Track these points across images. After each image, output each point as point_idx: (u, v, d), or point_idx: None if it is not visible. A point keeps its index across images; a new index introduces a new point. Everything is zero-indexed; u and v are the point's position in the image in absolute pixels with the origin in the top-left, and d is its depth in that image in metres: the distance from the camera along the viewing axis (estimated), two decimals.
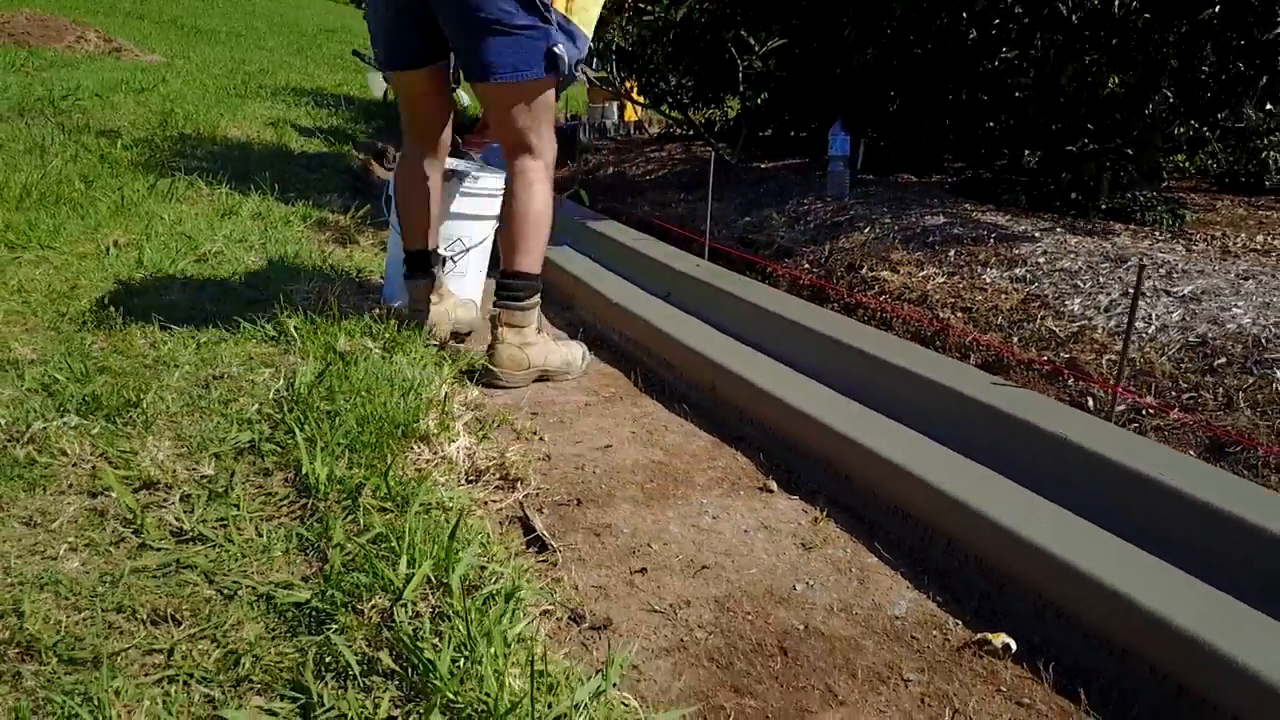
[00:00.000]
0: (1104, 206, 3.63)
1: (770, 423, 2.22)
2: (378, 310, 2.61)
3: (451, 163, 2.89)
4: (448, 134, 2.62)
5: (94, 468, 1.67)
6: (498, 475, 1.86)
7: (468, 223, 2.91)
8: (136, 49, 10.51)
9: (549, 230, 2.45)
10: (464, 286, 2.95)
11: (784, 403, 2.17)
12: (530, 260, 2.42)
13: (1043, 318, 2.70)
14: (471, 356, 2.53)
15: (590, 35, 2.43)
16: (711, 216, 4.70)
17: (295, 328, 2.36)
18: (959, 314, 2.85)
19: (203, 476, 1.68)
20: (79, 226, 3.59)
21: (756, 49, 5.00)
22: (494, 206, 2.87)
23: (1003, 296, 2.88)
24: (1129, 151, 3.80)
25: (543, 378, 2.55)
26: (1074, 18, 3.55)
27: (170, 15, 16.62)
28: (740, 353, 2.50)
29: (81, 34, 10.18)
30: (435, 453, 1.84)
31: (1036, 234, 3.31)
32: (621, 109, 9.61)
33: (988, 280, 3.03)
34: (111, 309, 2.53)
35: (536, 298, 2.49)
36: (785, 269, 3.52)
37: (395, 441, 1.81)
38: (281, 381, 2.06)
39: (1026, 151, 4.77)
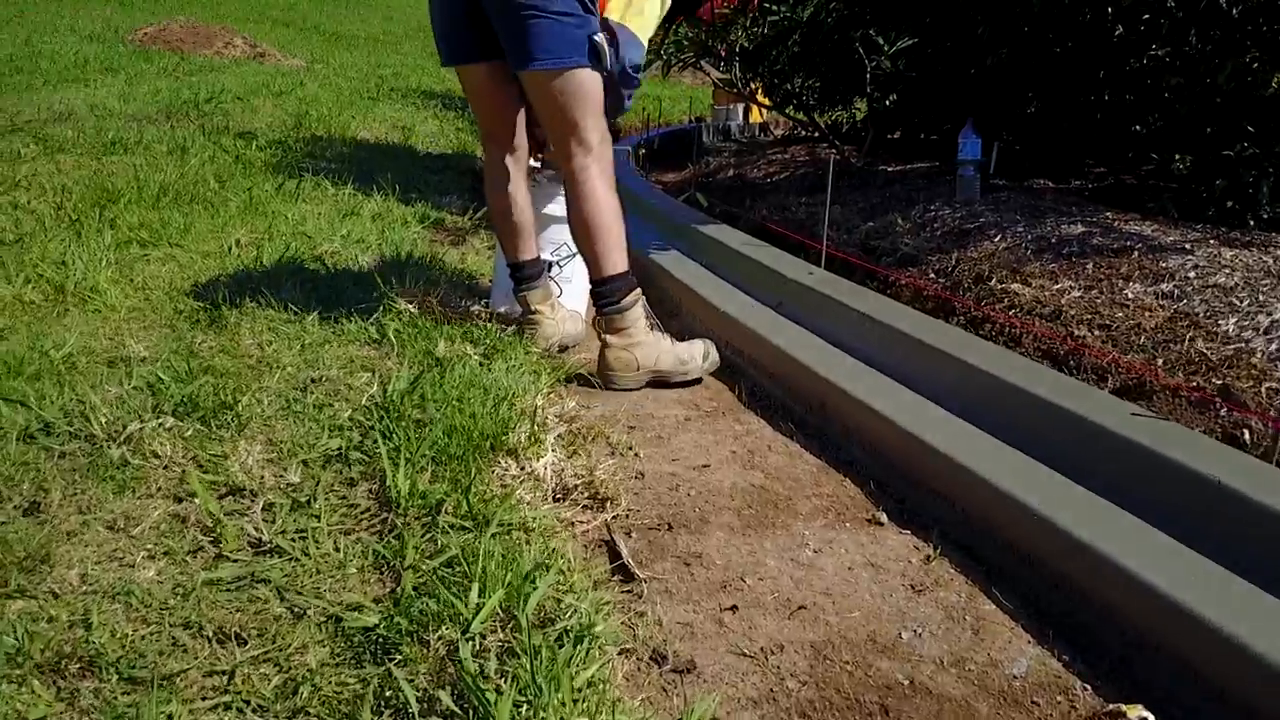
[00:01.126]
0: (1265, 217, 3.31)
1: (883, 447, 2.07)
2: (483, 314, 2.57)
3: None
4: (522, 134, 2.56)
5: (183, 471, 1.66)
6: (586, 494, 1.78)
7: (558, 224, 2.83)
8: (279, 54, 10.95)
9: (621, 222, 2.39)
10: (570, 295, 2.89)
11: (899, 426, 2.01)
12: (612, 261, 2.36)
13: (1192, 339, 2.45)
14: (572, 364, 2.46)
15: (646, 43, 2.40)
16: (832, 221, 4.53)
17: (395, 332, 2.34)
18: (1096, 332, 2.62)
19: (289, 484, 1.65)
20: (208, 225, 3.69)
21: (885, 49, 4.80)
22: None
23: (1146, 314, 2.64)
24: None
25: (657, 380, 2.46)
26: (1234, 11, 3.24)
27: (314, 22, 17.32)
28: (853, 369, 2.35)
29: (229, 40, 10.67)
30: (523, 468, 1.77)
31: (1187, 245, 3.03)
32: (746, 111, 9.47)
33: (1130, 295, 2.78)
34: (225, 308, 2.56)
35: (634, 294, 2.41)
36: (908, 279, 3.33)
37: (482, 455, 1.74)
38: (377, 386, 2.02)
39: (1176, 156, 4.42)
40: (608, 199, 2.35)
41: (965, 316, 2.94)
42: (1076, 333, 2.62)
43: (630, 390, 2.42)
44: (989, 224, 3.59)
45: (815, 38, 5.22)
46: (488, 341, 2.35)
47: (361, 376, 2.10)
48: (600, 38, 2.24)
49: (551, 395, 2.21)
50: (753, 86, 6.27)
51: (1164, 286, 2.76)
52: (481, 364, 2.17)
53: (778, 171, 6.19)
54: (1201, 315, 2.54)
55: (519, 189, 2.57)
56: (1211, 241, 3.11)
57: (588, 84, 2.28)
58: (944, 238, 3.64)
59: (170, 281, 2.90)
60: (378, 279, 3.01)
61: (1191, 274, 2.78)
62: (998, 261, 3.15)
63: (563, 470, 1.81)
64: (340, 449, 1.77)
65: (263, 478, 1.66)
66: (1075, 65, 3.75)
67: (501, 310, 2.70)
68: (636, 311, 2.40)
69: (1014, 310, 2.87)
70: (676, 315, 3.38)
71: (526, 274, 2.62)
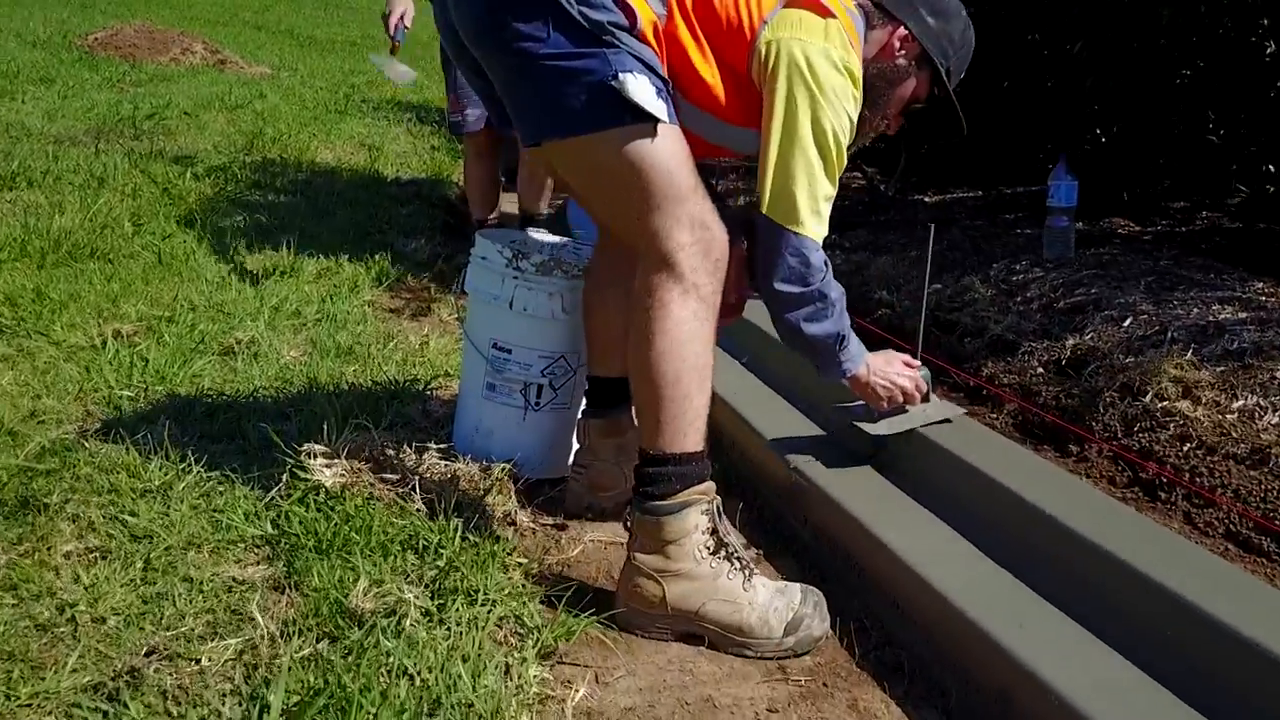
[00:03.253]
0: None
1: None
2: (441, 473, 1.75)
3: (504, 235, 2.06)
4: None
5: None
6: None
7: (553, 328, 1.98)
8: (242, 60, 10.06)
9: (707, 381, 1.53)
10: (547, 427, 2.03)
11: None
12: (674, 431, 1.50)
13: None
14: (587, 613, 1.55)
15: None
16: (884, 277, 3.73)
17: (298, 535, 1.50)
18: None
19: None
20: (95, 297, 2.86)
21: None
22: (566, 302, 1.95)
23: None
24: None
25: (695, 633, 1.54)
26: None
27: (288, 25, 16.42)
28: (1062, 642, 1.37)
29: (188, 46, 9.77)
30: None
31: None
32: None
33: None
34: (50, 471, 1.74)
35: (699, 495, 1.52)
36: (1023, 402, 2.52)
37: None
38: (240, 675, 1.19)
39: None
40: (692, 343, 1.50)
41: (1120, 461, 2.11)
42: None
43: (657, 638, 1.54)
44: (1102, 296, 2.78)
45: None
46: (444, 554, 1.51)
47: (224, 648, 1.26)
48: (631, 77, 1.43)
49: (551, 667, 1.37)
50: None
51: None
52: (427, 624, 1.35)
53: None
54: None
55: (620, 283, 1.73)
56: None
57: (638, 154, 1.48)
58: (1045, 314, 2.83)
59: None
60: (299, 397, 2.18)
61: None
62: (1140, 361, 2.34)
63: None
64: None
65: None
66: (1205, 88, 2.96)
67: (465, 459, 1.87)
68: (690, 523, 1.51)
69: (1185, 443, 2.05)
70: (713, 454, 2.53)
71: (606, 396, 1.86)
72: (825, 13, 1.59)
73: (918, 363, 1.91)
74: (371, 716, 1.13)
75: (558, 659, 1.41)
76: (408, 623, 1.32)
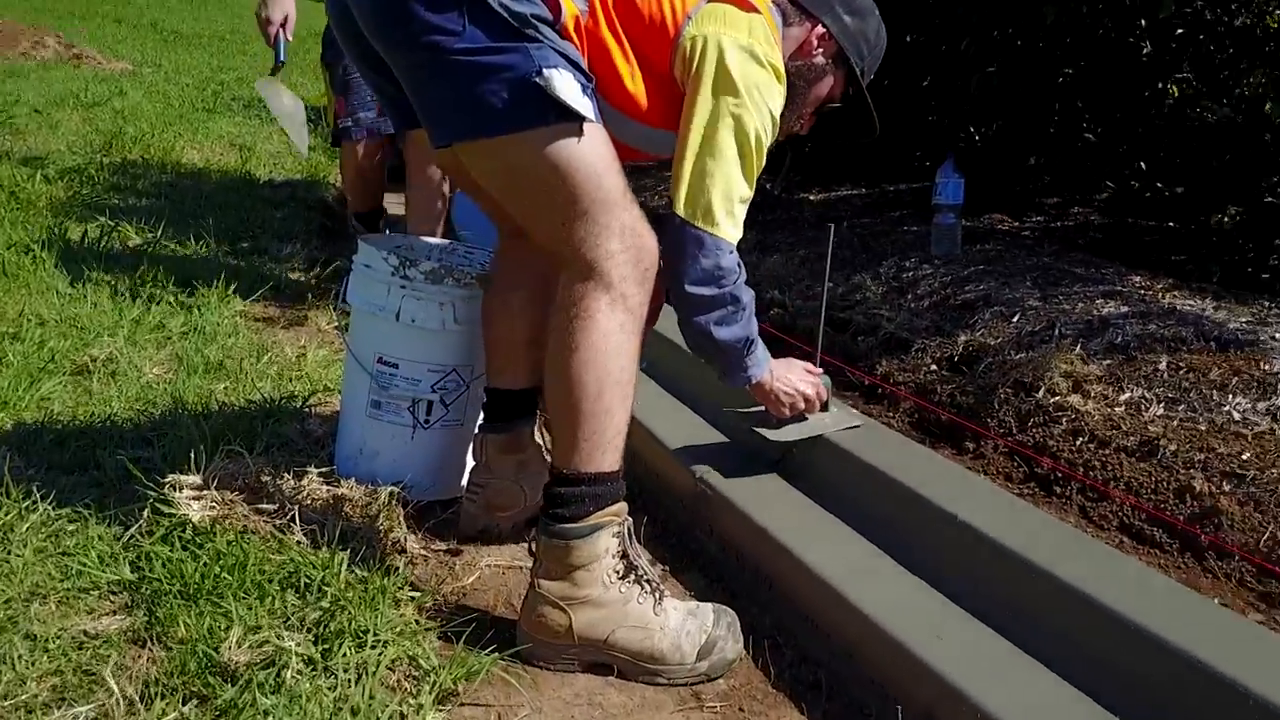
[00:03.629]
0: None
1: None
2: (323, 498, 1.62)
3: (389, 241, 1.95)
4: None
5: None
6: None
7: (444, 340, 1.87)
8: (100, 56, 9.47)
9: (628, 397, 1.44)
10: (434, 447, 1.89)
11: None
12: (591, 449, 1.40)
13: None
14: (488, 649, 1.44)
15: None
16: (774, 276, 3.71)
17: (161, 581, 1.36)
18: (1217, 481, 1.85)
19: None
20: None
21: None
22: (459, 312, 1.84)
23: (1276, 450, 1.89)
24: None
25: (603, 662, 1.45)
26: None
27: (151, 18, 15.62)
28: (996, 660, 1.32)
29: (39, 39, 9.15)
30: None
31: (1276, 335, 2.31)
32: None
33: (1237, 416, 2.04)
34: None
35: (608, 515, 1.42)
36: (918, 399, 2.52)
37: None
38: None
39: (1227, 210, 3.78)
40: (617, 356, 1.40)
41: (1016, 457, 2.12)
42: (1195, 484, 1.83)
43: (563, 670, 1.44)
44: (991, 293, 2.81)
45: None
46: (328, 592, 1.38)
47: None
48: (556, 73, 1.33)
49: (450, 712, 1.26)
50: None
51: None
52: (310, 675, 1.22)
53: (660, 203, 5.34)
54: None
55: (530, 291, 1.70)
56: None
57: (564, 156, 1.37)
58: (937, 312, 2.85)
59: None
60: (164, 418, 2.01)
61: None
62: (1031, 357, 2.36)
63: None
64: None
65: None
66: (1087, 88, 3.03)
67: (349, 482, 1.74)
68: (601, 547, 1.41)
69: (1079, 438, 2.08)
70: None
71: (509, 408, 1.76)
72: (749, 8, 1.53)
73: (819, 369, 1.88)
74: None
75: (458, 702, 1.30)
76: (289, 674, 1.19)
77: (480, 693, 1.33)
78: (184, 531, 1.49)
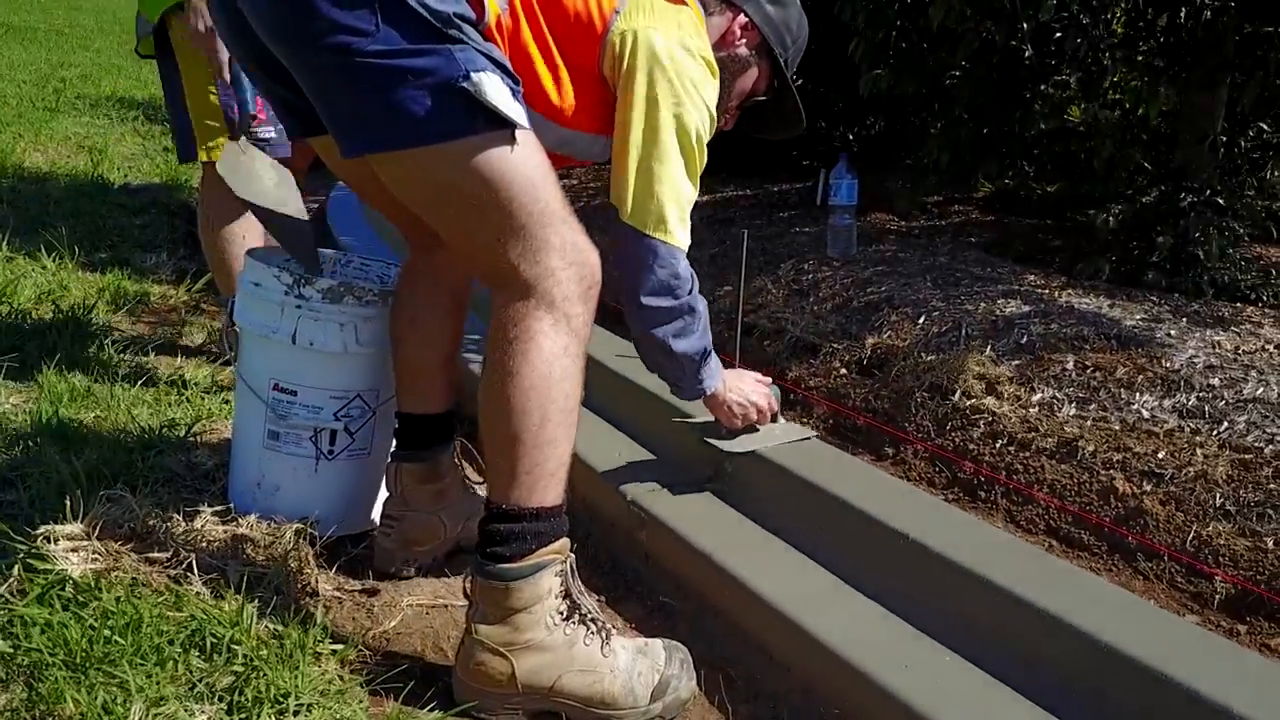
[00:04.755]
0: (1222, 281, 2.75)
1: None
2: (220, 538, 1.46)
3: (280, 257, 1.78)
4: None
5: None
6: None
7: (346, 363, 1.71)
8: None
9: (572, 424, 1.32)
10: (342, 478, 1.74)
11: None
12: (533, 482, 1.29)
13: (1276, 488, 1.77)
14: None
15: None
16: None
17: (35, 664, 1.18)
18: (1137, 481, 1.88)
19: None
20: None
21: None
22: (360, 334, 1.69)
23: (1196, 449, 1.93)
24: (1220, 202, 2.94)
25: (550, 710, 1.34)
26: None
27: None
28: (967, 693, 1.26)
29: None
30: None
31: (1171, 332, 2.39)
32: None
33: (1146, 414, 2.08)
34: None
35: (551, 553, 1.31)
36: (834, 405, 2.50)
37: None
38: None
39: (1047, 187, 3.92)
40: (563, 382, 1.29)
41: (937, 462, 2.11)
42: (1116, 484, 1.86)
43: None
44: (894, 294, 2.82)
45: None
46: (239, 652, 1.23)
47: None
48: (485, 76, 1.21)
49: None
50: None
51: (1186, 400, 2.07)
52: None
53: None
54: (1269, 453, 1.86)
55: (442, 302, 1.59)
56: (1184, 320, 2.49)
57: (496, 167, 1.25)
58: (841, 314, 2.84)
59: None
60: (28, 449, 1.80)
61: (1215, 380, 2.11)
62: (943, 359, 2.37)
63: None
64: None
65: None
66: (968, 88, 3.09)
67: (248, 519, 1.58)
68: (543, 587, 1.29)
69: (996, 440, 2.09)
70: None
71: (427, 435, 1.63)
72: (677, 0, 1.46)
73: (768, 380, 1.83)
74: None
75: None
76: None
77: None
78: (64, 589, 1.31)
